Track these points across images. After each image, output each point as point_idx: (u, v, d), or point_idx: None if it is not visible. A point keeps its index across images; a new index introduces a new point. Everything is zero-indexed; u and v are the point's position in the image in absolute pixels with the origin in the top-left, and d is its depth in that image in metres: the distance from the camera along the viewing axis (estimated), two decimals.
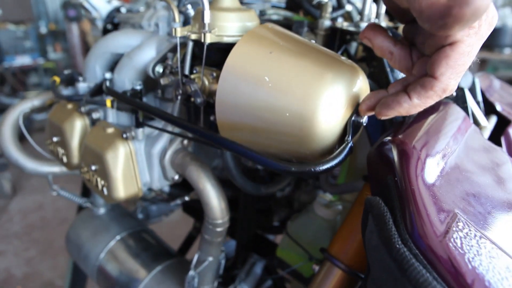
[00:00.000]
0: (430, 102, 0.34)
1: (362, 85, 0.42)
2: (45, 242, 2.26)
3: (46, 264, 2.07)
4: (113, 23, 0.94)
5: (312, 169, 0.36)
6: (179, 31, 0.50)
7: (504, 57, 4.03)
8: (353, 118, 0.40)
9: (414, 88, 0.34)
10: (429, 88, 0.33)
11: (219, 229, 0.61)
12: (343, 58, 0.42)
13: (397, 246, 0.28)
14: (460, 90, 0.56)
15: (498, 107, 0.66)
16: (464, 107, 0.56)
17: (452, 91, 0.34)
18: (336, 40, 0.61)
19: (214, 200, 0.59)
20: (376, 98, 0.38)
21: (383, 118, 0.37)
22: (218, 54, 0.50)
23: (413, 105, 0.34)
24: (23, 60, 4.62)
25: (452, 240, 0.28)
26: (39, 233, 2.36)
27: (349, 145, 0.38)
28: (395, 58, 0.37)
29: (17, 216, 2.55)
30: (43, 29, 5.05)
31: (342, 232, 0.51)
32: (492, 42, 4.05)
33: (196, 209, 0.97)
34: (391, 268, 0.29)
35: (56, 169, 0.83)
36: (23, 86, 4.56)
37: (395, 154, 0.37)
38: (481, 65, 4.23)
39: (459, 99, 0.56)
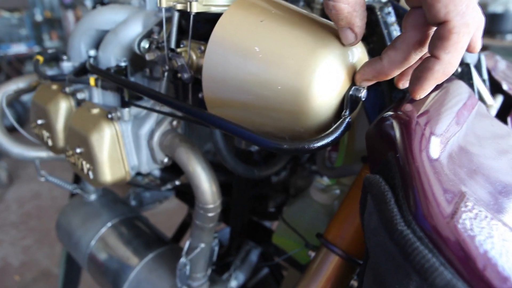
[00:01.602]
0: (463, 47, 0.30)
1: (360, 56, 0.39)
2: (41, 230, 2.24)
3: (43, 252, 2.06)
4: (102, 3, 0.90)
5: (306, 146, 0.33)
6: (165, 2, 0.46)
7: (505, 43, 3.97)
8: (351, 92, 0.37)
9: (435, 45, 0.30)
10: (449, 34, 0.29)
11: (210, 214, 0.58)
12: None
13: (400, 228, 0.25)
14: (465, 66, 0.53)
15: (505, 86, 0.63)
16: (470, 84, 0.52)
17: (476, 20, 0.29)
18: None
19: (205, 184, 0.56)
20: (372, 67, 0.35)
21: (422, 94, 0.33)
22: (206, 25, 0.46)
23: (446, 62, 0.30)
24: (18, 48, 4.55)
25: (460, 221, 0.25)
26: (36, 222, 2.34)
27: (347, 120, 0.35)
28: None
29: (14, 205, 2.53)
30: (39, 17, 4.97)
31: (339, 216, 0.49)
32: (494, 28, 3.99)
33: (189, 194, 0.94)
34: (392, 253, 0.26)
35: (43, 154, 0.80)
36: (19, 74, 4.50)
37: (396, 130, 0.33)
38: (482, 52, 4.16)
39: (464, 75, 0.52)
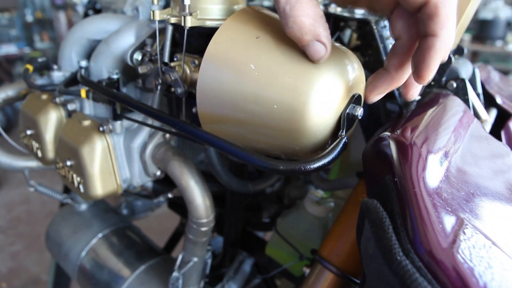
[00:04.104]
0: (453, 17, 0.30)
1: (357, 73, 0.38)
2: (31, 236, 2.21)
3: (32, 258, 2.02)
4: (95, 9, 0.89)
5: (302, 168, 0.32)
6: (158, 15, 0.46)
7: (495, 49, 4.03)
8: (347, 110, 0.37)
9: (428, 25, 0.30)
10: (437, 9, 0.29)
11: (203, 229, 0.57)
12: (337, 44, 0.39)
13: (398, 258, 0.25)
14: (461, 81, 0.52)
15: (499, 100, 0.63)
16: (465, 100, 0.52)
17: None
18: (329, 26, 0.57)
19: (198, 198, 0.55)
20: (382, 80, 0.35)
21: (430, 76, 0.33)
22: (200, 39, 0.46)
23: (445, 37, 0.30)
24: (8, 49, 4.49)
25: (460, 251, 0.25)
26: (25, 227, 2.30)
27: (343, 140, 0.34)
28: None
29: (2, 209, 2.48)
30: (29, 17, 4.91)
31: (334, 232, 0.48)
32: (484, 34, 4.05)
33: (181, 205, 0.93)
34: (390, 282, 0.26)
35: (32, 164, 0.79)
36: (9, 76, 4.44)
37: (393, 151, 0.33)
38: (472, 58, 4.22)
39: (459, 91, 0.52)
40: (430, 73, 0.32)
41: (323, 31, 0.32)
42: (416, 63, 0.32)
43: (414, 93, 0.38)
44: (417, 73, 0.32)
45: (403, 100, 0.53)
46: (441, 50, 0.31)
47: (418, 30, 0.32)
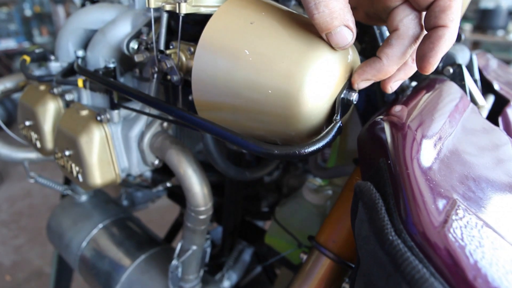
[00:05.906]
0: (459, 11, 0.32)
1: (352, 59, 0.38)
2: (33, 229, 2.23)
3: (35, 251, 2.04)
4: (92, 0, 0.89)
5: (297, 152, 0.33)
6: (153, 2, 0.45)
7: (497, 39, 4.01)
8: (342, 95, 0.37)
9: (440, 17, 0.32)
10: (451, 2, 0.31)
11: (202, 217, 0.57)
12: None
13: (390, 238, 0.25)
14: (457, 66, 0.52)
15: (496, 86, 0.63)
16: (462, 85, 0.52)
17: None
18: None
19: (196, 186, 0.55)
20: (371, 66, 0.35)
21: (435, 65, 0.34)
22: (195, 27, 0.45)
23: (453, 29, 0.32)
24: (7, 43, 4.48)
25: (451, 230, 0.25)
26: (28, 221, 2.32)
27: (338, 125, 0.35)
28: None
29: (5, 203, 2.50)
30: (28, 12, 4.89)
31: (330, 219, 0.48)
32: (485, 24, 4.02)
33: (181, 195, 0.93)
34: (383, 262, 0.26)
35: (32, 155, 0.79)
36: (8, 71, 4.43)
37: (388, 135, 0.33)
38: (473, 48, 4.20)
39: (456, 76, 0.52)
40: (436, 62, 0.33)
41: (350, 16, 0.33)
42: (423, 52, 0.33)
43: (394, 86, 0.38)
44: (424, 61, 0.33)
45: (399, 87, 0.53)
46: (448, 40, 0.32)
47: (425, 22, 0.33)
